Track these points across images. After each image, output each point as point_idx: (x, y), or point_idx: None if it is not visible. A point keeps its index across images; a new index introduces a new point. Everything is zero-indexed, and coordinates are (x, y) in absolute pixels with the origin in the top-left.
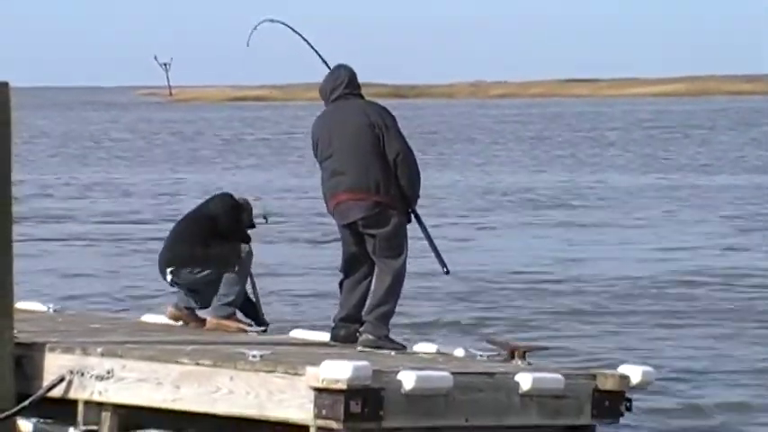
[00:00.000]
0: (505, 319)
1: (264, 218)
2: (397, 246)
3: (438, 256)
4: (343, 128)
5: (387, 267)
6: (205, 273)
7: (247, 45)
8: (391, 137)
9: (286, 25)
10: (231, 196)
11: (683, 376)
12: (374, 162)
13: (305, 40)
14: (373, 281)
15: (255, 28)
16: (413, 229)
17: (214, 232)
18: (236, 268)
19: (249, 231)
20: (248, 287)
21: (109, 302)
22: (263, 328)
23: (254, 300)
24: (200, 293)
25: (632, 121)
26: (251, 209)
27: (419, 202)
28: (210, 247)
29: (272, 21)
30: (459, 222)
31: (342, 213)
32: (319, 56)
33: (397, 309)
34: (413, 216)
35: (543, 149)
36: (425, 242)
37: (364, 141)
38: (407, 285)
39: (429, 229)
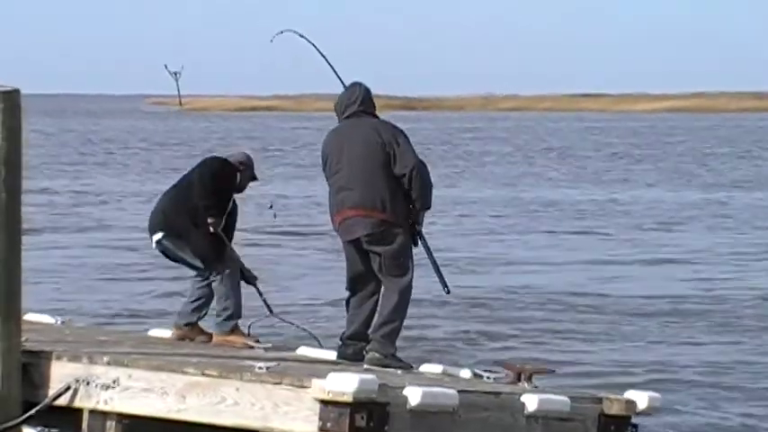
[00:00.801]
0: (519, 336)
1: (271, 206)
2: (402, 264)
3: (440, 276)
4: (354, 145)
5: (393, 285)
6: (191, 256)
7: (271, 41)
8: (403, 152)
9: (310, 42)
10: (219, 165)
11: (699, 397)
12: (382, 180)
13: (325, 58)
14: (380, 299)
15: (281, 32)
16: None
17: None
18: (223, 279)
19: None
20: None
21: (117, 316)
22: (270, 345)
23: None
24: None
25: (653, 137)
26: (251, 163)
27: (427, 212)
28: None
29: (299, 35)
30: (484, 234)
31: (347, 229)
32: (337, 75)
33: (404, 326)
34: (418, 238)
35: (567, 163)
36: (439, 258)
37: (373, 159)
38: (415, 303)
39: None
